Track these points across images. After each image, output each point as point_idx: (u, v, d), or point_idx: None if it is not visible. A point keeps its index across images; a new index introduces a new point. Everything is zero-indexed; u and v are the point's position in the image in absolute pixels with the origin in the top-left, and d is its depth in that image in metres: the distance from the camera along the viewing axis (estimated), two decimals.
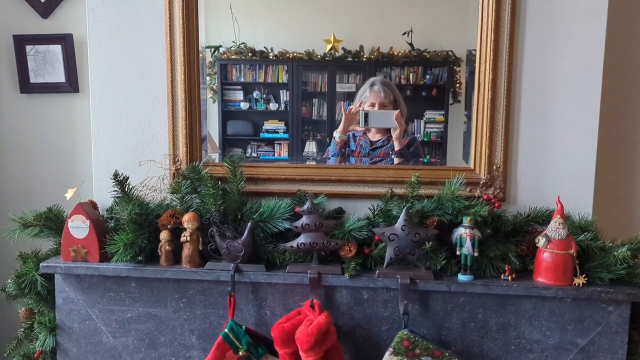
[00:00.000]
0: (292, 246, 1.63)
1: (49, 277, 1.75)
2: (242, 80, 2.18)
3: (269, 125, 2.19)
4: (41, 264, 1.71)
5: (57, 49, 2.25)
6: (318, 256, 1.65)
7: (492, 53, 1.69)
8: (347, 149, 2.01)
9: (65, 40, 2.24)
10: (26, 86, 2.30)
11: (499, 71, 1.70)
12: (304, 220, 1.62)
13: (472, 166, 1.76)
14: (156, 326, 1.72)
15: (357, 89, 2.08)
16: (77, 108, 2.33)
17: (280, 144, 2.19)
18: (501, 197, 1.73)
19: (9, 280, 1.76)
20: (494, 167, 1.73)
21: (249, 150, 2.20)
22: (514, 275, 1.58)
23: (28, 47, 2.26)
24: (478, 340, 1.62)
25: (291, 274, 1.63)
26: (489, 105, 1.71)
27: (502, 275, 1.59)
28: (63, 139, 2.35)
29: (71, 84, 2.29)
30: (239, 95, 2.20)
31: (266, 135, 2.18)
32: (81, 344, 1.75)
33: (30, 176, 2.38)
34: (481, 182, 1.74)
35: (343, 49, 2.06)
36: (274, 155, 2.19)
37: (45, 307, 1.79)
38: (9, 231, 1.76)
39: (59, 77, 2.28)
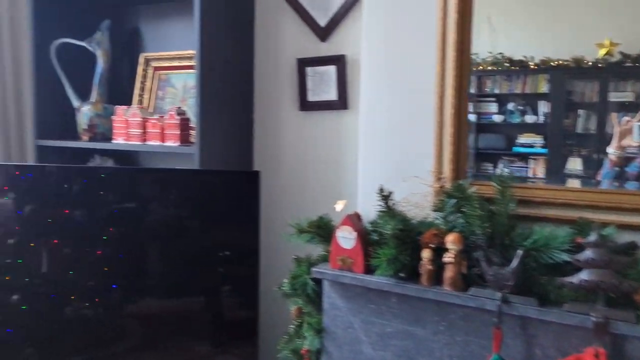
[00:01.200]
0: (572, 282, 1.42)
1: (318, 281, 1.87)
2: (497, 91, 2.04)
3: (523, 139, 1.99)
4: (312, 269, 1.84)
5: (332, 69, 2.43)
6: (604, 297, 1.41)
7: None
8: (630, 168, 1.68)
9: (340, 61, 2.41)
10: (304, 104, 2.55)
11: None
12: (588, 253, 1.41)
13: None
14: (415, 345, 1.70)
15: (637, 98, 1.74)
16: (345, 124, 2.48)
17: (535, 159, 1.97)
18: None
19: (285, 280, 1.95)
20: None
21: (499, 166, 2.04)
22: None
23: (308, 69, 2.50)
24: None
25: (570, 313, 1.43)
26: None
27: None
28: (332, 153, 2.52)
29: (341, 101, 2.45)
30: (493, 107, 2.05)
31: (520, 149, 1.99)
32: (344, 350, 1.83)
33: (303, 185, 2.62)
34: None
35: (620, 52, 1.75)
36: (527, 172, 1.98)
37: (313, 308, 1.92)
38: (287, 235, 1.94)
39: (332, 95, 2.46)
